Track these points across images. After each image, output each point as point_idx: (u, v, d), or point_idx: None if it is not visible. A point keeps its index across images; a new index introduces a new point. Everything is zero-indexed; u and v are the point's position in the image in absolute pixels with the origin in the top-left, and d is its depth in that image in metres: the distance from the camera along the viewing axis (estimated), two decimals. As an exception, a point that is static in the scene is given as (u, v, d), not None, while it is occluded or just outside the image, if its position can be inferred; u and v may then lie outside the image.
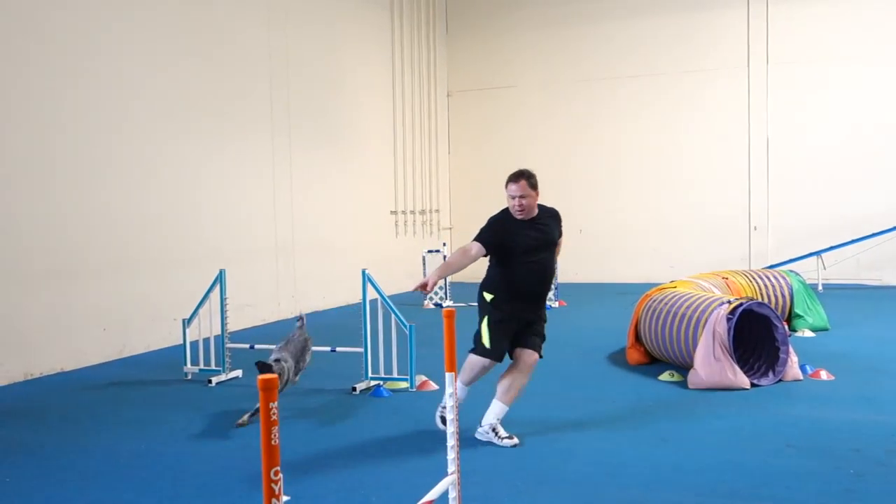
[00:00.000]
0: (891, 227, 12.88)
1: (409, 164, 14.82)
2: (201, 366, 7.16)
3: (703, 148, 14.56)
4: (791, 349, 6.62)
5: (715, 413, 5.68)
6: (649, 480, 4.34)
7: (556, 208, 5.22)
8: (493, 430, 4.99)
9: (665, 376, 6.83)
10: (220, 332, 7.07)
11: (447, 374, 3.80)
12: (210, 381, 6.91)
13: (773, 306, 8.90)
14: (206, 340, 7.13)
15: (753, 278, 9.16)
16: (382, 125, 14.04)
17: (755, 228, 14.31)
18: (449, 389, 3.80)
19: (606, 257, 14.94)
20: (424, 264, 12.50)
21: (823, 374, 6.70)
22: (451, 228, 16.17)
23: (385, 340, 6.55)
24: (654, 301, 7.47)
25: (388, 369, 6.60)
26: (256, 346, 7.30)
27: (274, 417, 2.31)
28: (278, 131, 11.08)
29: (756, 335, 6.82)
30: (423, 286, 4.77)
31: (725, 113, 14.44)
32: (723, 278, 8.87)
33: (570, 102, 15.55)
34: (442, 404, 5.15)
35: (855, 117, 13.63)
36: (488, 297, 5.05)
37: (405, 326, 6.40)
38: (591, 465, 4.63)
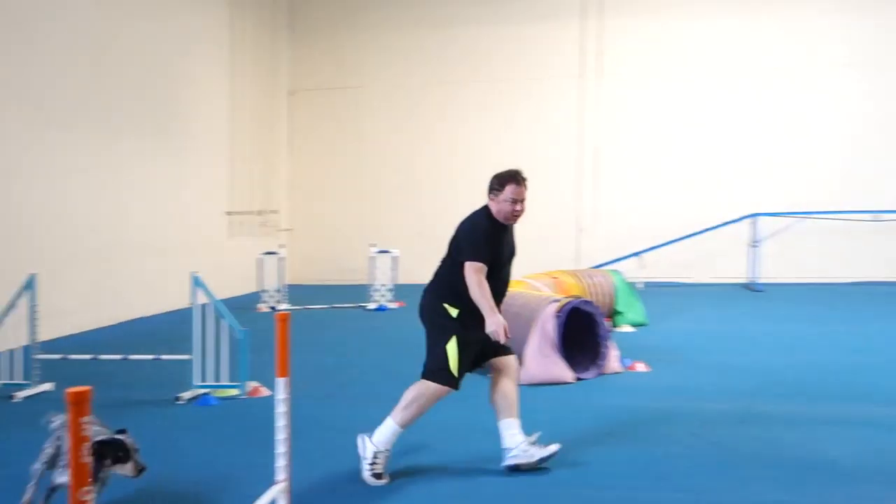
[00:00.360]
0: (701, 230, 13.99)
1: (246, 162, 14.38)
2: (5, 380, 6.55)
3: (537, 153, 15.17)
4: (612, 344, 7.02)
5: (542, 406, 5.91)
6: (477, 472, 4.45)
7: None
8: (531, 443, 4.41)
9: (497, 373, 7.03)
10: (28, 342, 6.52)
11: (278, 380, 3.71)
12: (13, 397, 6.33)
13: (598, 304, 9.43)
14: (11, 352, 6.55)
15: (581, 277, 9.63)
16: (217, 122, 13.53)
17: (582, 230, 15.09)
18: (281, 395, 3.71)
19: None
20: (260, 267, 12.18)
21: (641, 366, 7.16)
22: (289, 230, 15.86)
23: (216, 346, 6.30)
24: (488, 300, 7.67)
25: (218, 377, 6.34)
26: (71, 356, 6.81)
27: (85, 433, 2.15)
28: (100, 124, 10.37)
29: (581, 331, 7.17)
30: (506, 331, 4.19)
31: (559, 120, 15.13)
32: (553, 278, 9.26)
33: (416, 105, 15.71)
34: (368, 460, 4.30)
35: (672, 129, 14.70)
36: (453, 311, 4.30)
37: (237, 331, 6.19)
38: (417, 461, 4.67)
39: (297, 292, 11.96)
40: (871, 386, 6.43)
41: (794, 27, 14.19)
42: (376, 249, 12.25)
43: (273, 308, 11.65)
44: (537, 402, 6.01)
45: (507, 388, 4.46)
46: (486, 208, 4.46)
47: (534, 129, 15.22)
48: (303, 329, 9.49)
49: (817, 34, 14.12)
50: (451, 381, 4.29)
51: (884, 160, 13.92)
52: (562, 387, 6.55)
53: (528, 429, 4.53)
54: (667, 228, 14.29)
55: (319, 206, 15.77)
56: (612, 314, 9.56)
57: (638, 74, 14.73)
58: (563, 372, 6.67)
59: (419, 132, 15.71)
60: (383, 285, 12.03)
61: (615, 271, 10.12)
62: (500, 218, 4.41)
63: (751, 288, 13.47)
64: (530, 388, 6.46)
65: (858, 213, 13.56)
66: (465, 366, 4.33)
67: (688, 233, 14.09)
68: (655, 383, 6.65)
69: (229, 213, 13.86)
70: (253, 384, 6.41)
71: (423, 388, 4.31)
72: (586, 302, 7.13)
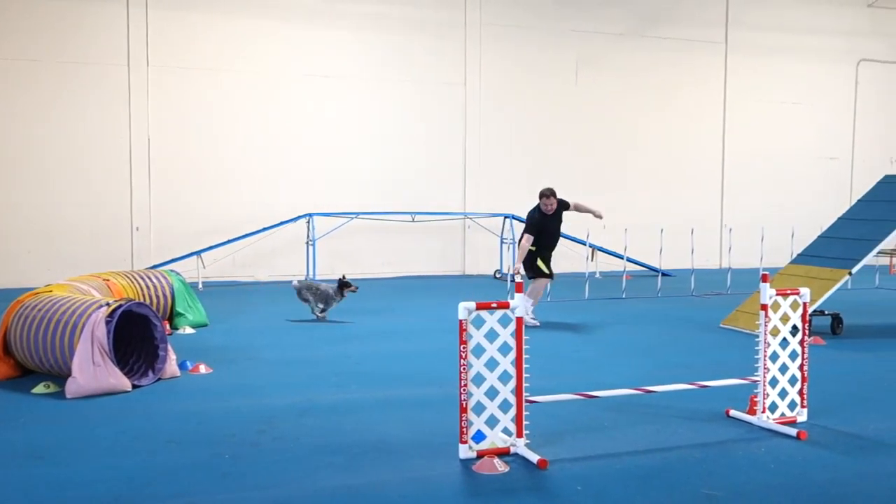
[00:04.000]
0: (260, 228, 14.19)
1: None
2: None
3: (85, 142, 13.80)
4: (170, 347, 6.69)
5: (96, 420, 5.37)
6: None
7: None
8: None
9: (40, 388, 6.21)
10: None
11: None
12: None
13: (154, 306, 8.92)
14: None
15: (135, 279, 9.01)
16: None
17: (137, 229, 14.17)
18: None
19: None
20: None
21: (202, 368, 6.95)
22: None
23: None
24: (27, 307, 6.72)
25: None
26: None
27: None
28: None
29: (136, 335, 6.70)
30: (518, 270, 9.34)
31: (106, 110, 13.92)
32: (103, 280, 8.50)
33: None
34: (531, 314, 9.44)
35: (229, 127, 14.60)
36: (533, 248, 9.49)
37: None
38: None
39: None
40: (413, 369, 7.16)
41: (335, 37, 15.15)
42: None
43: None
44: (91, 417, 5.44)
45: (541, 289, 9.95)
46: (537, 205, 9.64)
47: (84, 116, 13.80)
48: None
49: (351, 45, 15.27)
50: (549, 274, 9.66)
51: (419, 167, 15.70)
52: (118, 396, 6.03)
53: (99, 444, 4.04)
54: (226, 227, 14.19)
55: None
56: (171, 316, 9.15)
57: (191, 65, 14.31)
58: (119, 380, 6.14)
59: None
60: None
61: (173, 272, 9.70)
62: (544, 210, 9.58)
63: (308, 285, 14.11)
64: (82, 402, 5.84)
65: (400, 213, 15.09)
66: (548, 267, 9.65)
67: (248, 231, 14.17)
68: (218, 384, 6.51)
69: None
70: None
71: (535, 285, 9.57)
72: (140, 304, 6.67)
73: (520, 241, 9.76)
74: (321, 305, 9.97)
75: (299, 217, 14.45)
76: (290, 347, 8.16)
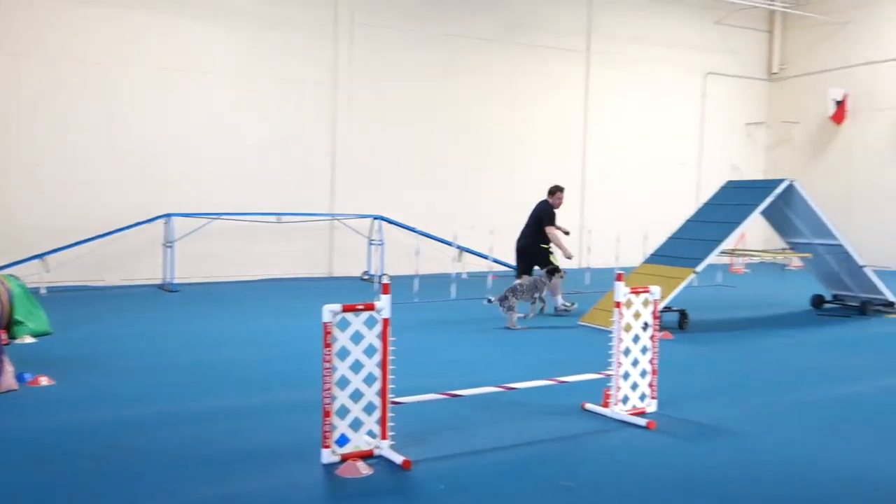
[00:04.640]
0: (113, 230, 13.42)
1: None
2: None
3: None
4: (6, 358, 6.20)
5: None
6: None
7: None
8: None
9: None
10: None
11: None
12: None
13: (-9, 313, 8.24)
14: None
15: (-31, 284, 8.29)
16: None
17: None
18: None
19: None
20: None
21: (44, 381, 6.46)
22: None
23: None
24: None
25: None
26: None
27: None
28: None
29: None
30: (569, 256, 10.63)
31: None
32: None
33: None
34: (561, 304, 10.62)
35: (76, 119, 13.69)
36: (545, 247, 10.60)
37: None
38: None
39: None
40: (277, 374, 6.99)
41: (199, 31, 14.61)
42: None
43: None
44: None
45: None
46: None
47: None
48: None
49: (215, 40, 14.78)
50: (560, 271, 10.27)
51: (286, 167, 15.37)
52: (-55, 414, 5.52)
53: None
54: (75, 228, 13.31)
55: None
56: (9, 325, 8.47)
57: (38, 57, 13.36)
58: (-53, 396, 5.62)
59: None
60: None
61: (11, 276, 9.01)
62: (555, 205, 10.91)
63: (166, 288, 13.46)
64: None
65: (266, 214, 14.70)
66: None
67: (98, 233, 13.36)
68: (62, 397, 6.09)
69: None
70: None
71: (555, 282, 10.18)
72: (-24, 312, 6.14)
73: (542, 234, 10.71)
74: (536, 294, 9.85)
75: (156, 218, 13.78)
76: (142, 356, 7.73)
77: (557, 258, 10.76)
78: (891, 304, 10.91)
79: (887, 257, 16.99)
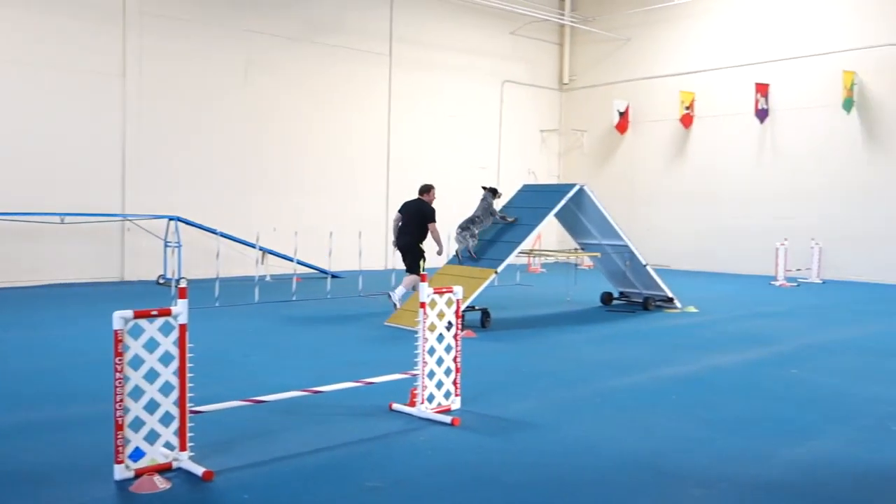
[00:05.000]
0: None
1: None
2: None
3: None
4: None
5: None
6: None
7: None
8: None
9: None
10: None
11: None
12: None
13: None
14: None
15: None
16: None
17: None
18: None
19: None
20: None
21: None
22: None
23: None
24: None
25: None
26: None
27: None
28: None
29: None
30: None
31: None
32: None
33: None
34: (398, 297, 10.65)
35: None
36: (421, 249, 10.82)
37: None
38: None
39: None
40: (62, 387, 6.44)
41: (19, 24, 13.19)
42: None
43: None
44: None
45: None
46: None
47: None
48: None
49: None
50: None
51: (71, 163, 14.20)
52: None
53: None
54: None
55: None
56: None
57: None
58: None
59: None
60: None
61: None
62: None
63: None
64: None
65: (47, 214, 13.50)
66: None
67: None
68: None
69: None
70: None
71: (413, 277, 10.33)
72: None
73: (424, 231, 10.86)
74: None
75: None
76: None
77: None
78: (670, 299, 12.01)
79: (667, 257, 18.67)
